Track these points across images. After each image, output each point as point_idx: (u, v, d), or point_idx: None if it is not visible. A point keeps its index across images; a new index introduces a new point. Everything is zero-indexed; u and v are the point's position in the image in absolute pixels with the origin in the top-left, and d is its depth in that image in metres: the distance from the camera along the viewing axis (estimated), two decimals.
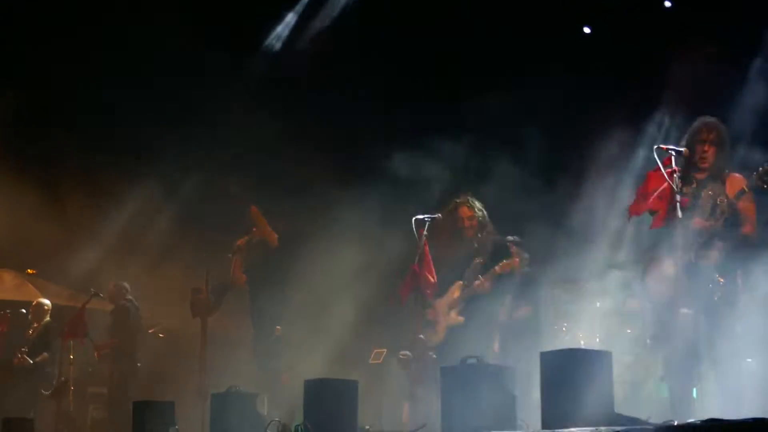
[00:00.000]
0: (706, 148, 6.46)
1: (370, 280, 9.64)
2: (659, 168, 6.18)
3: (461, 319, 7.50)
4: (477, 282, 7.45)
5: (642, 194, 6.47)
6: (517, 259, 7.40)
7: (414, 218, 7.63)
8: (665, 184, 6.14)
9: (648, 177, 6.49)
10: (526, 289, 9.04)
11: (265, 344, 9.27)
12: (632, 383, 9.19)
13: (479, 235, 7.81)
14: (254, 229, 9.23)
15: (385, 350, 12.49)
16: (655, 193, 6.29)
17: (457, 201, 8.02)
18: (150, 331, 13.68)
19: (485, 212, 8.01)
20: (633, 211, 6.62)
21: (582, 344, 10.06)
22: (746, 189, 6.17)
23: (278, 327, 9.20)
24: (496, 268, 7.38)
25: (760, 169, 6.09)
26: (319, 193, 11.54)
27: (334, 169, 11.92)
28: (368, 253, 9.95)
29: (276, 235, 9.14)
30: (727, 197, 6.25)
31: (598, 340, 9.94)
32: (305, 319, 10.07)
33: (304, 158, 11.76)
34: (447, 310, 7.55)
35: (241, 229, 9.57)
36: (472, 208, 7.94)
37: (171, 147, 12.38)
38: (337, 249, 10.19)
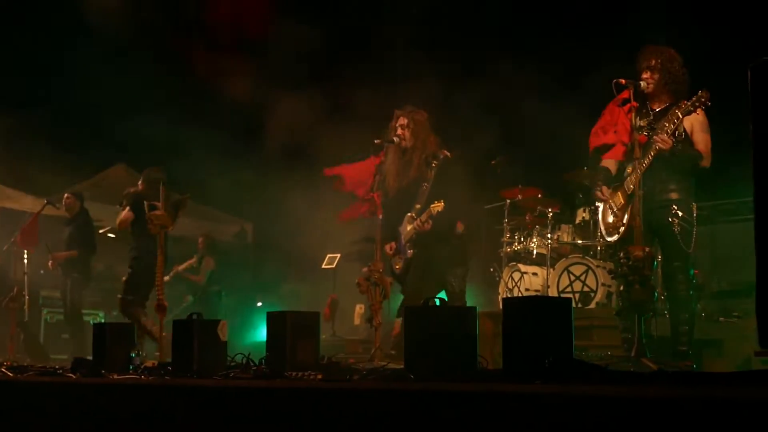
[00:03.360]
0: (645, 75, 6.50)
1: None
2: (616, 101, 6.24)
3: (410, 252, 7.54)
4: (417, 222, 7.44)
5: (601, 128, 6.49)
6: (442, 203, 7.28)
7: (374, 142, 7.64)
8: (623, 119, 6.19)
9: (606, 111, 6.49)
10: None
11: None
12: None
13: (418, 150, 7.65)
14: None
15: (339, 255, 12.69)
16: (614, 128, 6.33)
17: (398, 112, 7.85)
18: (100, 232, 13.68)
19: (429, 124, 7.80)
20: (592, 143, 6.65)
21: (534, 252, 10.31)
22: (680, 115, 6.27)
23: None
24: (431, 208, 7.32)
25: (699, 92, 6.22)
26: None
27: None
28: None
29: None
30: (685, 131, 6.35)
31: (549, 244, 10.16)
32: None
33: None
34: (405, 243, 7.60)
35: None
36: (407, 115, 7.74)
37: None
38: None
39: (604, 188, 6.77)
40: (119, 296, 9.70)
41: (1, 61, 12.75)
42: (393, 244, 7.68)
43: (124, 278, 9.82)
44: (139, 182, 9.83)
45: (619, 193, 6.57)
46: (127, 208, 9.68)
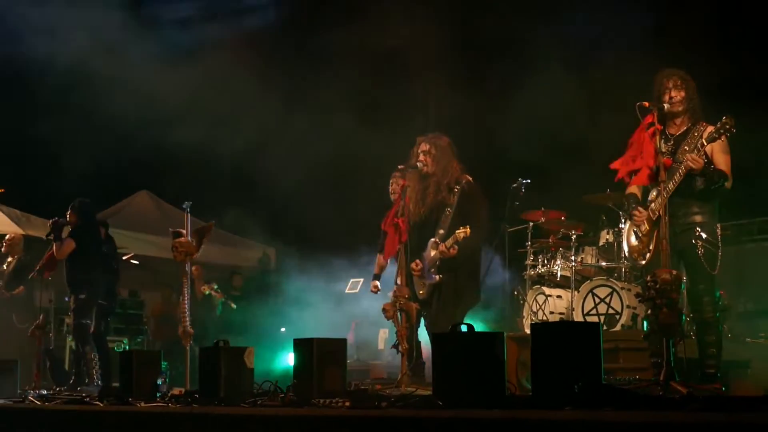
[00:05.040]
0: (673, 94, 6.50)
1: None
2: (642, 128, 6.22)
3: (437, 278, 7.55)
4: (442, 248, 7.44)
5: (631, 157, 6.43)
6: (468, 229, 7.30)
7: (398, 167, 7.66)
8: (648, 144, 6.18)
9: (635, 139, 6.42)
10: None
11: None
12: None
13: (439, 176, 7.68)
14: None
15: (362, 280, 12.68)
16: (639, 153, 6.30)
17: (420, 138, 7.88)
18: (123, 258, 13.72)
19: (451, 150, 7.84)
20: (623, 172, 6.58)
21: (558, 275, 10.27)
22: (705, 143, 6.25)
23: None
24: (457, 234, 7.34)
25: (724, 118, 6.19)
26: None
27: None
28: None
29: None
30: (706, 154, 6.33)
31: (573, 266, 10.11)
32: None
33: None
34: (429, 268, 7.61)
35: None
36: (429, 142, 7.79)
37: None
38: None
39: (640, 208, 6.63)
40: (74, 321, 10.14)
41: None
42: (419, 261, 7.67)
43: (74, 305, 10.16)
44: (68, 213, 10.36)
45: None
46: (68, 237, 10.18)
